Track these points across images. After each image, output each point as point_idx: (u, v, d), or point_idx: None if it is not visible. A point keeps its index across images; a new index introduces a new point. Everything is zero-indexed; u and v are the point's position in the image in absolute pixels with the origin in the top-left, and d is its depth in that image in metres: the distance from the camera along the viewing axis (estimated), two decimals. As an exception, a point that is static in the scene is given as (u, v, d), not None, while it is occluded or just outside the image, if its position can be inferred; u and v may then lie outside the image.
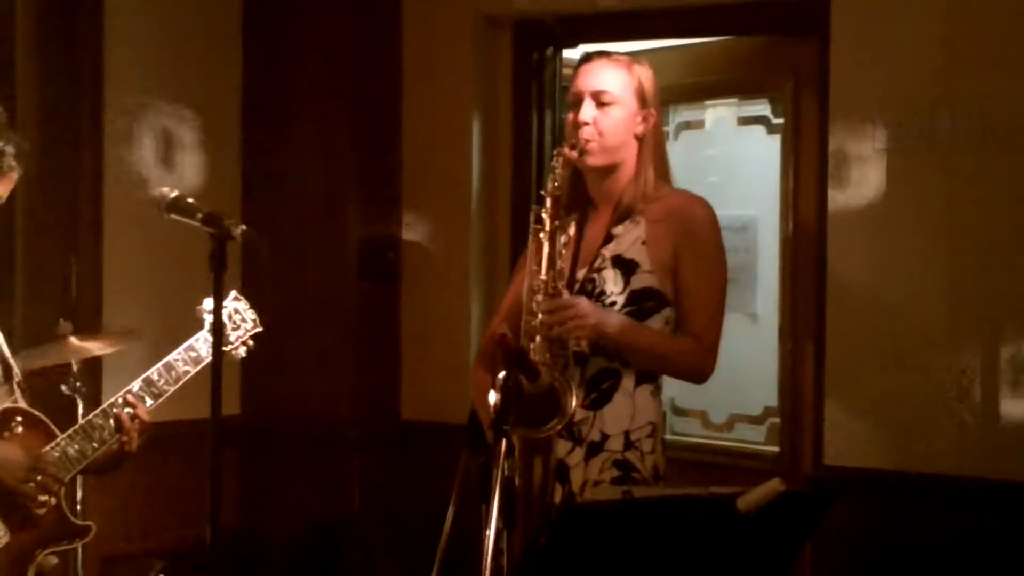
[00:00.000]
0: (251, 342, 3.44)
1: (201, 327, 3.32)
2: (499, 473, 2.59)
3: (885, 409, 4.11)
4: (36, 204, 4.56)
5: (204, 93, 5.03)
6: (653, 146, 3.26)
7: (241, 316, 3.43)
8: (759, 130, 4.82)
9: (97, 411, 3.24)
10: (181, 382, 3.31)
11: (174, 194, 2.83)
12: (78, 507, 3.73)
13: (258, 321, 3.47)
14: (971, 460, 3.96)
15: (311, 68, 5.06)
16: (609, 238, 3.22)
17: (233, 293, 3.42)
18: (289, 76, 5.10)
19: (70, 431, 3.21)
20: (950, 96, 4.02)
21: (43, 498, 3.15)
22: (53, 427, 3.22)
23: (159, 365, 3.30)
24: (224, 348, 3.26)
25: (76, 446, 3.20)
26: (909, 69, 4.09)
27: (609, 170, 3.25)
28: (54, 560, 3.23)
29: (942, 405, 4.00)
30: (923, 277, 4.06)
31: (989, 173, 3.98)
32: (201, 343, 3.33)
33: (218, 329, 2.74)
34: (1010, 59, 3.93)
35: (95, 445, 3.20)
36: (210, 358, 3.28)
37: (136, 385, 3.27)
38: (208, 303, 3.29)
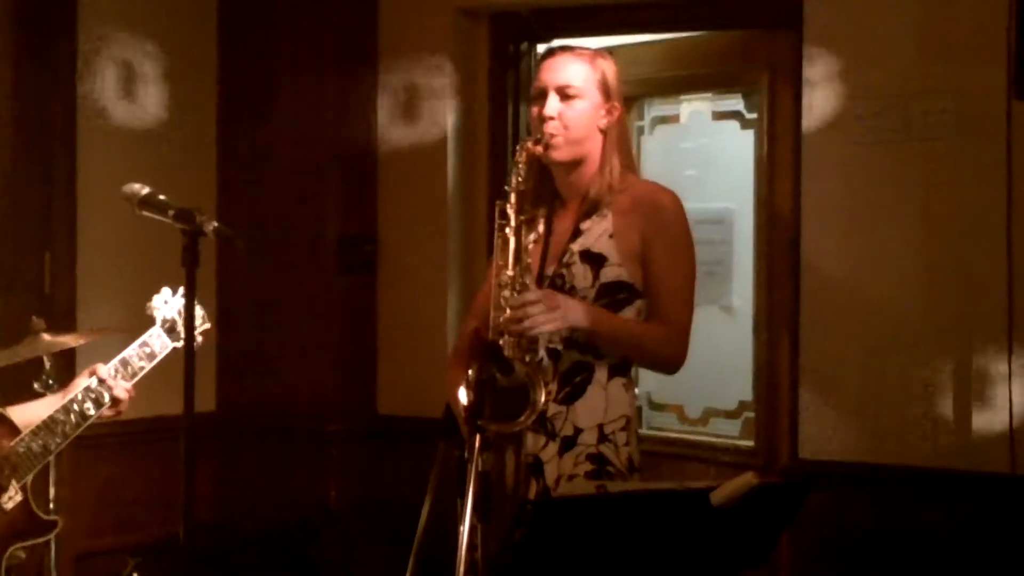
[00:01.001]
0: (200, 339, 3.44)
1: (153, 323, 3.38)
2: (473, 468, 2.59)
3: (860, 402, 4.11)
4: (10, 200, 4.54)
5: (180, 88, 5.01)
6: (618, 138, 3.24)
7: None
8: (733, 124, 4.82)
9: (59, 407, 3.26)
10: (137, 378, 3.36)
11: (145, 191, 2.83)
12: (51, 504, 3.72)
13: (206, 317, 3.50)
14: (945, 452, 3.97)
15: (288, 61, 5.04)
16: (577, 233, 3.20)
17: (181, 290, 3.41)
18: (265, 69, 5.09)
19: (34, 427, 3.22)
20: (925, 88, 4.02)
21: (11, 493, 3.16)
22: (16, 423, 3.24)
23: (115, 361, 3.34)
24: (175, 344, 3.44)
25: (40, 441, 3.22)
26: (884, 62, 4.09)
27: (575, 164, 3.23)
28: (22, 555, 3.25)
29: (917, 398, 4.02)
30: (898, 270, 4.07)
31: (964, 165, 3.99)
32: (154, 339, 3.40)
33: (190, 324, 2.74)
34: (984, 50, 3.94)
35: (58, 440, 3.23)
36: (163, 354, 3.41)
37: (93, 381, 3.30)
38: (157, 299, 3.43)
